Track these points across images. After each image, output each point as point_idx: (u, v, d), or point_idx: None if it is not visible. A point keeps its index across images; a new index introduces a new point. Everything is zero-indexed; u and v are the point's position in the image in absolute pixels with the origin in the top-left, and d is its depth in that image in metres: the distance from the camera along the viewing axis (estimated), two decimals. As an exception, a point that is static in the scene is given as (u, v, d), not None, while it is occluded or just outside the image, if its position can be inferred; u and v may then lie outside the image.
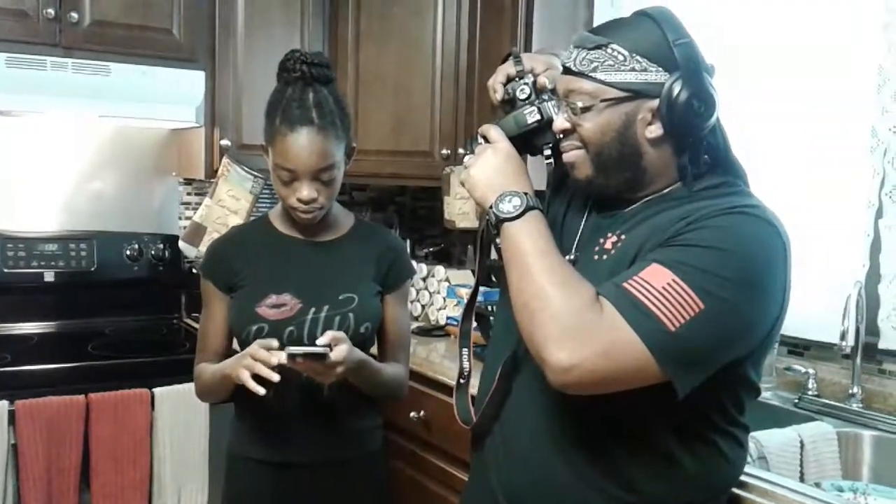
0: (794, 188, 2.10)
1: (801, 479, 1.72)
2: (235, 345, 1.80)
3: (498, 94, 1.35)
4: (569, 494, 1.26)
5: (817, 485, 1.65)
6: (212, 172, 2.88)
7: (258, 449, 1.77)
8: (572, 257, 1.29)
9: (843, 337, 1.89)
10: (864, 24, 1.98)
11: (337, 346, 1.54)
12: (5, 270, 2.76)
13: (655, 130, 1.21)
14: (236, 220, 2.81)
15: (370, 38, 2.96)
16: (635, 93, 1.19)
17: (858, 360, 1.97)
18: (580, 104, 1.22)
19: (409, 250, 3.19)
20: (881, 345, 1.98)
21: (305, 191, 1.64)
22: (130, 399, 2.41)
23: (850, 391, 1.98)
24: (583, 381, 1.09)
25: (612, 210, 1.30)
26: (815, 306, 2.06)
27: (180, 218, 3.18)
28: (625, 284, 1.11)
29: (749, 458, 1.65)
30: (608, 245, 1.26)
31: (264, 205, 2.98)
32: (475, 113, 2.84)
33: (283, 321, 1.69)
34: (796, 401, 2.04)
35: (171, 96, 2.70)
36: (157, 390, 2.44)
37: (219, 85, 2.83)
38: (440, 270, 3.02)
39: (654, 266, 1.11)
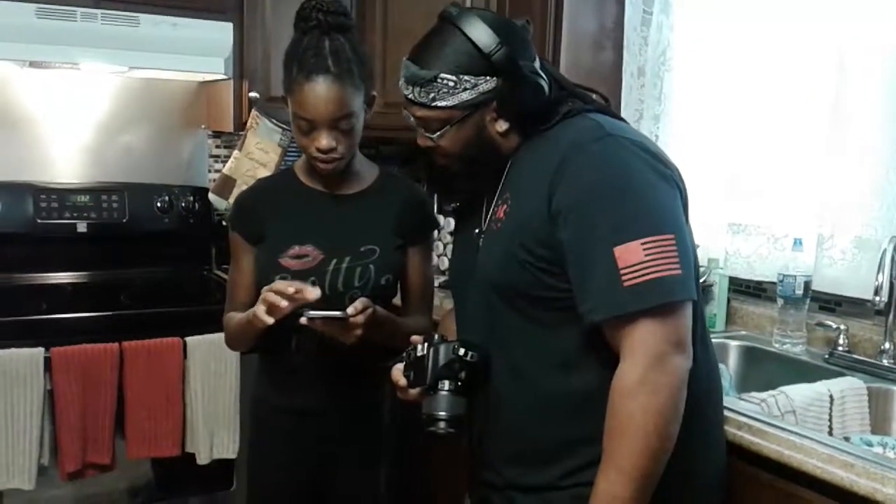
0: (827, 141, 2.06)
1: (830, 434, 1.72)
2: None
3: (402, 381, 1.44)
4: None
5: (846, 439, 1.65)
6: (240, 125, 2.88)
7: (280, 397, 1.81)
8: (479, 230, 1.43)
9: (876, 292, 1.86)
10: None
11: (358, 312, 1.57)
12: (39, 221, 2.80)
13: (503, 125, 1.36)
14: (265, 173, 2.81)
15: (399, -11, 2.93)
16: (476, 106, 1.33)
17: (892, 315, 1.94)
18: (435, 134, 1.36)
19: (436, 204, 3.19)
20: (915, 301, 1.95)
21: (324, 140, 1.63)
22: (163, 348, 2.45)
23: (882, 347, 1.96)
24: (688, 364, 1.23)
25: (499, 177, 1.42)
26: (847, 262, 2.03)
27: (209, 170, 3.19)
28: (625, 286, 1.19)
29: (777, 412, 1.66)
30: (501, 214, 1.37)
31: (293, 157, 2.98)
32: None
33: (305, 272, 1.71)
34: (827, 356, 2.03)
35: (199, 48, 2.71)
36: (189, 339, 2.48)
37: (247, 36, 2.82)
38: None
39: (617, 251, 1.20)
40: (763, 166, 2.23)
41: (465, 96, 1.32)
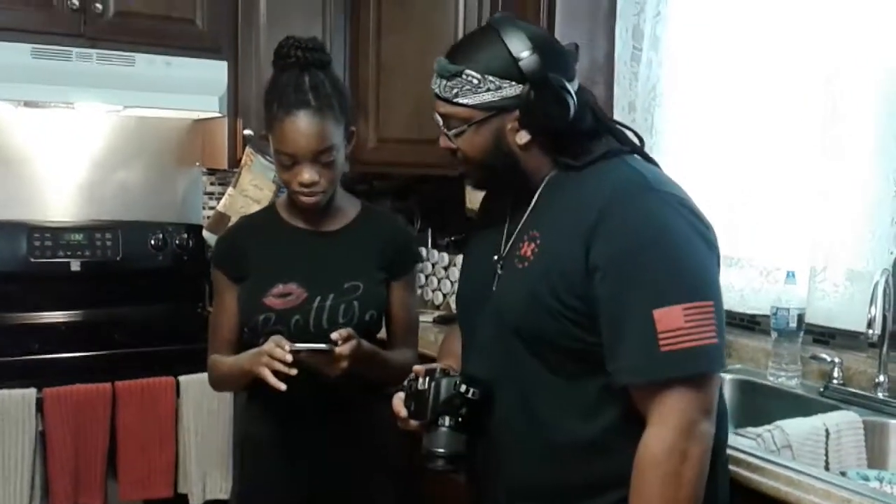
0: (819, 173, 2.07)
1: (826, 469, 1.71)
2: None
3: (403, 412, 1.41)
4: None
5: (843, 474, 1.64)
6: (235, 162, 2.89)
7: (268, 430, 1.80)
8: (498, 257, 1.39)
9: (870, 325, 1.86)
10: None
11: (343, 342, 1.57)
12: (32, 260, 2.79)
13: (524, 137, 1.32)
14: (259, 210, 2.82)
15: (391, 26, 2.95)
16: (497, 109, 1.30)
17: (885, 348, 1.94)
18: (454, 131, 1.34)
19: (430, 239, 3.19)
20: (909, 333, 1.95)
21: (306, 174, 1.65)
22: (156, 387, 2.44)
23: (877, 380, 1.95)
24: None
25: (522, 204, 1.38)
26: (840, 294, 2.04)
27: (204, 208, 3.20)
28: (662, 350, 1.17)
29: (774, 447, 1.65)
30: (528, 252, 1.33)
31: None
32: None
33: (289, 310, 1.72)
34: (822, 390, 2.02)
35: (194, 86, 2.72)
36: (182, 378, 2.47)
37: (242, 75, 2.84)
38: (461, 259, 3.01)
39: (657, 314, 1.18)
40: (755, 199, 2.24)
41: (488, 97, 1.30)
